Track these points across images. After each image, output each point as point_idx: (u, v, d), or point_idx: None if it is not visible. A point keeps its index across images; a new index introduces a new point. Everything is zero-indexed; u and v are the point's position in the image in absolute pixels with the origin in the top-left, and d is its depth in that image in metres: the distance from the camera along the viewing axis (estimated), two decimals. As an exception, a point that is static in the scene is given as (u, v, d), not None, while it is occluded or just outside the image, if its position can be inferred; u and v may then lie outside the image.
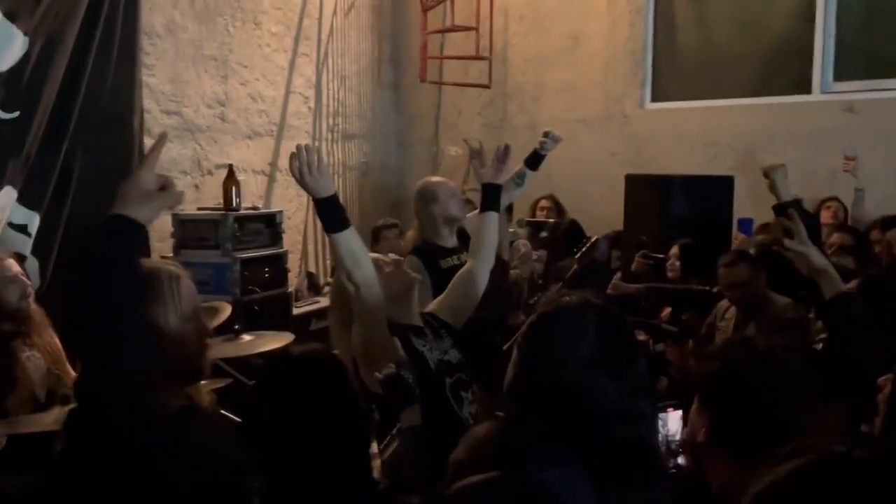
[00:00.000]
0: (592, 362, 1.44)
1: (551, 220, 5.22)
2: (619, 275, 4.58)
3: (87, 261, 1.61)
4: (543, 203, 5.68)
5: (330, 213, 2.43)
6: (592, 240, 4.41)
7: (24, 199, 3.94)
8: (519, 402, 1.49)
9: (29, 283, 3.14)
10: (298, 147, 2.39)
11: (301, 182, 2.38)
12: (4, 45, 3.82)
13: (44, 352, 3.06)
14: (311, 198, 2.43)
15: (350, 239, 2.43)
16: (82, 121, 4.20)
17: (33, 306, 3.13)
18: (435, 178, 3.87)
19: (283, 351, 1.96)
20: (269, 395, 1.82)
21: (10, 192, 3.86)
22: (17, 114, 3.88)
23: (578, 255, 4.30)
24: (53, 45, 4.03)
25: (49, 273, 4.11)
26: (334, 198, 2.43)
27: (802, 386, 1.65)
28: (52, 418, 2.80)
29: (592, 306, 1.50)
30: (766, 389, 1.58)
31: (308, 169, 2.35)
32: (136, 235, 1.63)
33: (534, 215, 5.58)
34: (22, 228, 3.96)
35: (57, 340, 3.10)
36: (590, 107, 6.36)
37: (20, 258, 3.91)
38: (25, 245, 3.97)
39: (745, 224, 4.97)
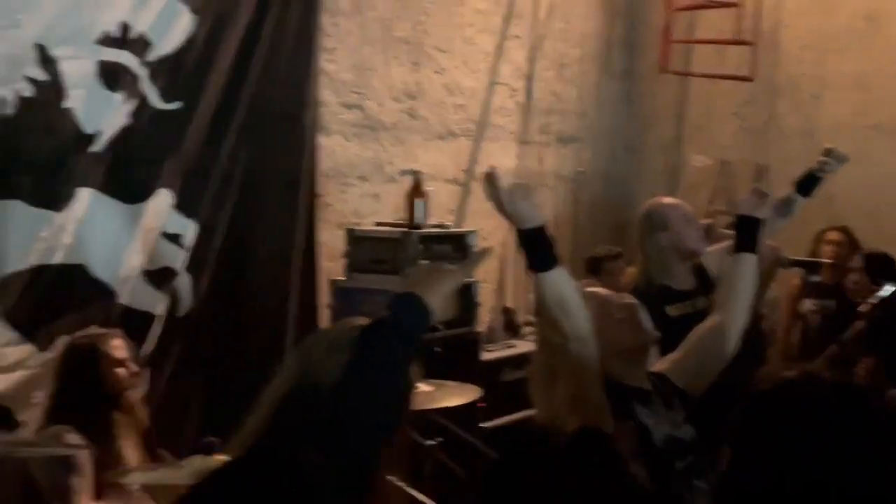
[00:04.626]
0: (825, 463, 1.42)
1: (827, 261, 5.06)
2: None
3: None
4: (832, 236, 5.49)
5: (536, 248, 2.48)
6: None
7: (181, 205, 4.28)
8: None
9: (136, 369, 3.59)
10: (492, 172, 2.45)
11: (502, 210, 2.44)
12: (169, 23, 4.18)
13: (136, 448, 3.52)
14: (513, 227, 2.50)
15: (559, 281, 2.48)
16: (249, 115, 4.51)
17: (136, 396, 3.59)
18: (666, 199, 3.86)
19: None
20: None
21: (165, 197, 4.21)
22: (178, 104, 4.24)
23: (867, 307, 4.23)
24: (223, 24, 4.36)
25: (202, 290, 4.44)
26: (543, 229, 2.48)
27: None
28: (188, 471, 3.06)
29: (823, 386, 1.49)
30: None
31: (514, 194, 2.41)
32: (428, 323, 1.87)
33: (815, 252, 5.40)
34: (176, 239, 4.30)
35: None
36: (890, 109, 6.17)
37: (171, 274, 4.28)
38: (178, 259, 4.31)
39: None
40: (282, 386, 1.95)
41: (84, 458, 3.28)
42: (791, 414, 1.46)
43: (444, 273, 1.94)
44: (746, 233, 2.97)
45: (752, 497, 1.45)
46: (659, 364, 2.84)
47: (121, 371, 3.50)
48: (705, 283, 3.62)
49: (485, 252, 2.14)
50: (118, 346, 3.55)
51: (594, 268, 5.28)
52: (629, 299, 2.80)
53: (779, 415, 1.47)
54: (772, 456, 1.45)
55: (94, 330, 3.68)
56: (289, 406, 1.89)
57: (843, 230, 5.55)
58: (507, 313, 6.08)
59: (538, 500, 1.81)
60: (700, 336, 2.88)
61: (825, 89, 6.38)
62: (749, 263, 2.94)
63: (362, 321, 1.95)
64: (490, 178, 2.45)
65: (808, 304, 5.38)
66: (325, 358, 1.92)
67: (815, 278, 5.16)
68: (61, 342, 3.72)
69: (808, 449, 1.43)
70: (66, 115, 3.84)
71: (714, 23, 6.52)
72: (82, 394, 3.45)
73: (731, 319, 2.87)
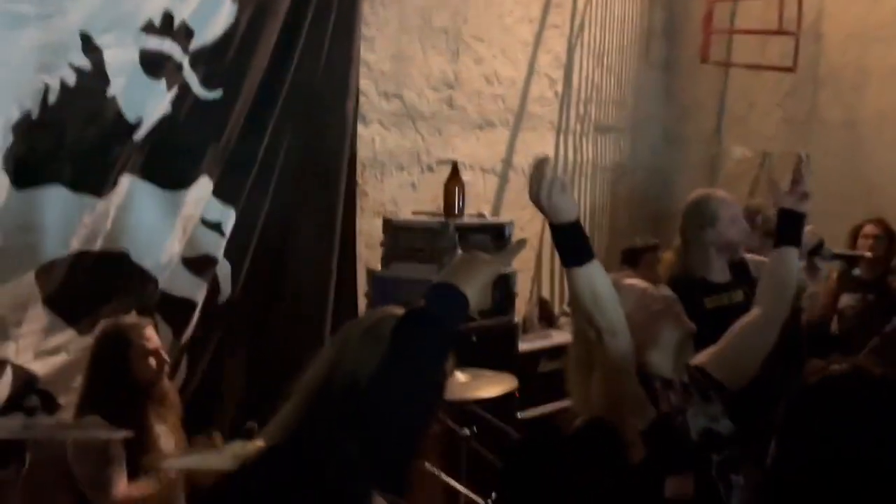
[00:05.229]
0: (874, 457, 1.42)
1: (868, 254, 5.02)
2: None
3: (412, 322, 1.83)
4: (869, 229, 5.45)
5: (570, 243, 2.47)
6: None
7: (221, 193, 4.31)
8: (778, 498, 1.52)
9: (167, 359, 3.66)
10: (544, 159, 2.45)
11: (537, 201, 2.44)
12: (210, 12, 4.20)
13: (173, 432, 3.60)
14: (547, 221, 2.49)
15: (593, 276, 2.47)
16: (290, 103, 4.53)
17: (168, 384, 3.70)
18: (718, 193, 3.85)
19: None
20: None
21: (205, 184, 4.24)
22: (219, 92, 4.26)
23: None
24: (264, 13, 4.38)
25: (242, 278, 4.48)
26: (577, 224, 2.48)
27: None
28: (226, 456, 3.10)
29: (872, 380, 1.49)
30: None
31: (551, 187, 2.41)
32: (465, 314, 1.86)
33: (854, 245, 5.36)
34: (216, 226, 4.33)
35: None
36: (934, 101, 6.08)
37: (211, 261, 4.32)
38: (218, 246, 4.34)
39: None
40: (316, 375, 1.94)
41: (118, 447, 3.33)
42: (840, 407, 1.46)
43: (482, 263, 1.92)
44: (789, 226, 2.97)
45: (799, 490, 1.46)
46: (698, 357, 2.82)
47: (152, 361, 3.53)
48: (743, 277, 3.60)
49: (521, 243, 2.12)
50: (149, 336, 3.58)
51: (631, 259, 5.27)
52: (667, 291, 2.78)
53: (827, 408, 1.48)
54: (820, 449, 1.46)
55: (126, 319, 3.73)
56: (323, 395, 1.89)
57: (881, 223, 5.50)
58: (543, 304, 6.09)
59: (548, 486, 1.83)
60: (740, 329, 2.87)
61: (868, 80, 6.33)
62: (791, 257, 2.94)
63: (397, 310, 1.94)
64: (540, 165, 2.44)
65: (846, 299, 5.34)
66: (360, 347, 1.91)
67: (855, 272, 5.13)
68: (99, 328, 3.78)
69: (856, 442, 1.43)
70: (109, 102, 3.87)
71: (755, 12, 6.48)
72: (113, 383, 3.49)
73: (771, 312, 2.86)
